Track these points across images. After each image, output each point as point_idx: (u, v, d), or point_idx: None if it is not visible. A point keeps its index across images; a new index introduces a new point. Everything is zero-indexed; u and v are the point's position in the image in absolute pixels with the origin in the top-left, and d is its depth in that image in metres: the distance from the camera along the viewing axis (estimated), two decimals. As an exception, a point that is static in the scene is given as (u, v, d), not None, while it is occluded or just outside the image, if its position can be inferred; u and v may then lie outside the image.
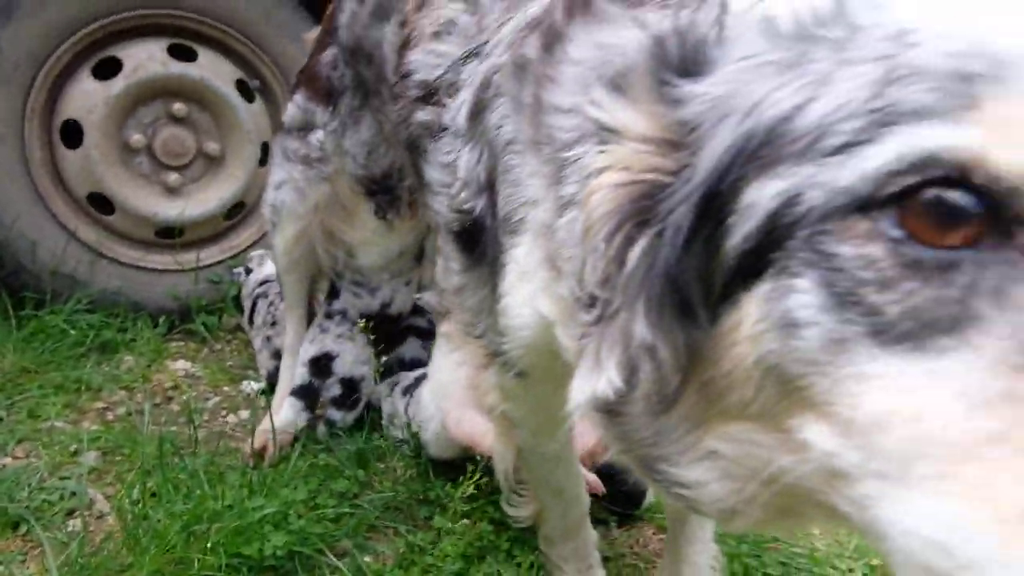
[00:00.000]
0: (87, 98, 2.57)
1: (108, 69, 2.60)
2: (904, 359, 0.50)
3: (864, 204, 0.50)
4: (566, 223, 0.77)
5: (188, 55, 2.70)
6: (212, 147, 2.80)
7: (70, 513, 1.76)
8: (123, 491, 1.78)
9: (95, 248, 2.67)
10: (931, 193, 0.49)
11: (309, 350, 2.17)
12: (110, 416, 2.21)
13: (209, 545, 1.57)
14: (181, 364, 2.59)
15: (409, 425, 1.99)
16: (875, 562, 1.80)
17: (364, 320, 2.11)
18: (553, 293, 0.85)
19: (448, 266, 1.23)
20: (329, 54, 1.75)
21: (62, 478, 1.86)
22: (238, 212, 2.91)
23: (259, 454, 2.00)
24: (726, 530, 1.53)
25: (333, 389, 2.13)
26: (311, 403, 2.12)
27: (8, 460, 1.94)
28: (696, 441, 0.67)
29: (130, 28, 2.60)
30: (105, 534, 1.68)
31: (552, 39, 0.87)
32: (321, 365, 2.14)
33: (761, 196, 0.56)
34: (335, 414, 2.12)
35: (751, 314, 0.58)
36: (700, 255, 0.61)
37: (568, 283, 0.78)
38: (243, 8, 2.72)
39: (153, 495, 1.75)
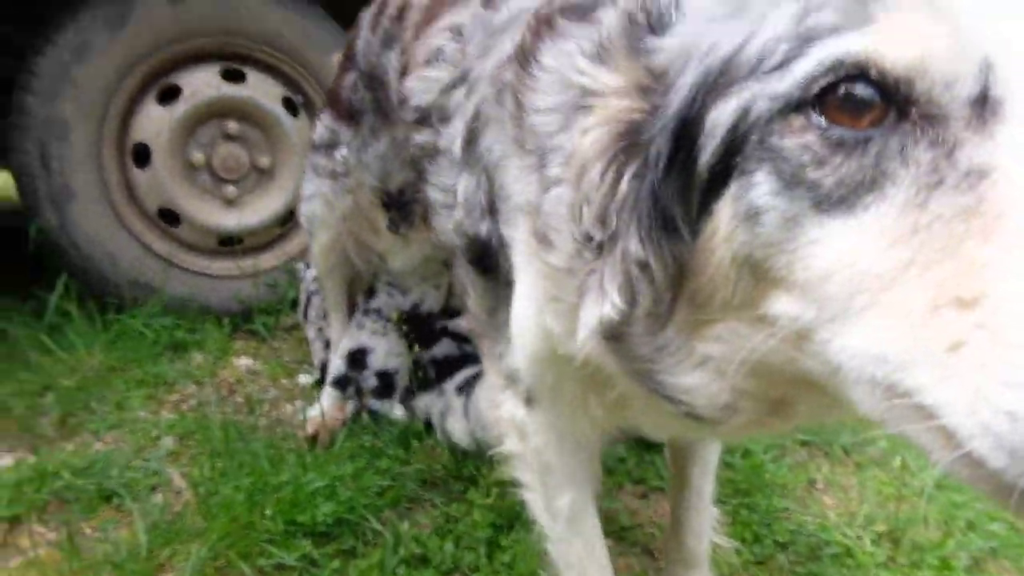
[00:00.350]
0: (153, 123, 2.86)
1: (169, 95, 2.88)
2: (841, 220, 0.63)
3: (797, 104, 0.65)
4: (553, 197, 0.88)
5: (238, 77, 2.96)
6: (264, 161, 3.06)
7: (153, 488, 2.02)
8: (196, 470, 2.03)
9: (167, 258, 2.96)
10: (843, 89, 0.63)
11: (346, 344, 2.38)
12: (184, 406, 2.49)
13: (269, 513, 1.80)
14: (244, 360, 2.86)
15: (472, 430, 2.06)
16: (880, 528, 1.89)
17: (398, 314, 2.29)
18: (545, 270, 0.94)
19: (466, 288, 1.33)
20: (350, 78, 1.92)
21: (145, 459, 2.13)
22: (290, 220, 3.15)
23: (312, 438, 2.23)
24: (729, 439, 1.47)
25: (370, 381, 2.32)
26: (348, 392, 2.32)
27: (100, 445, 2.23)
28: (690, 350, 0.80)
29: (186, 56, 2.86)
30: (183, 505, 1.93)
31: (525, 57, 1.01)
32: (356, 358, 2.33)
33: (721, 115, 0.70)
34: (376, 404, 2.31)
35: (724, 216, 0.71)
36: (679, 177, 0.74)
37: (558, 252, 0.89)
38: (285, 31, 2.95)
39: (222, 473, 1.99)
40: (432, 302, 2.34)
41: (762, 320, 0.72)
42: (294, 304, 3.03)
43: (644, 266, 0.77)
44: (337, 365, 2.37)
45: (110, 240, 2.84)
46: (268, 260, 3.16)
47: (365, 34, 1.85)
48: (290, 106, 3.05)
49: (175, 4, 2.76)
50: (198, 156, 2.95)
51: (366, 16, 1.91)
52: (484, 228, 1.15)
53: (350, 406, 2.36)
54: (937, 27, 0.61)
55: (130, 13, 2.71)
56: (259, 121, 3.01)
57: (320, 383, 2.56)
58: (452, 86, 1.30)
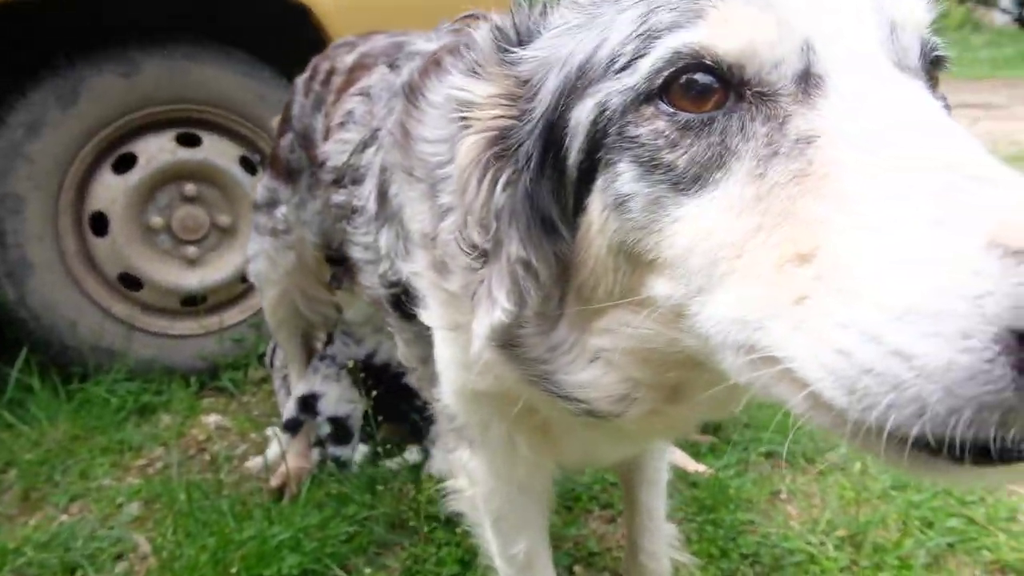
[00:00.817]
0: (110, 191, 2.90)
1: (126, 163, 2.92)
2: (696, 197, 0.69)
3: (646, 96, 0.72)
4: (447, 226, 0.91)
5: (194, 141, 3.02)
6: (223, 219, 3.10)
7: (118, 557, 2.00)
8: (160, 534, 2.01)
9: (128, 322, 2.96)
10: (684, 78, 0.70)
11: (299, 388, 2.40)
12: (150, 470, 2.47)
13: (234, 570, 1.79)
14: (213, 418, 2.85)
15: None
16: (840, 533, 1.91)
17: (353, 363, 2.31)
18: (445, 298, 0.97)
19: (398, 340, 1.36)
20: (287, 139, 1.99)
21: (110, 527, 2.11)
22: (252, 275, 3.19)
23: (278, 490, 2.22)
24: (628, 427, 1.53)
25: (324, 428, 2.33)
26: (301, 436, 2.33)
27: (64, 516, 2.20)
28: (582, 346, 0.83)
29: (141, 125, 2.92)
30: (146, 572, 1.91)
31: (412, 92, 1.07)
32: (308, 403, 2.35)
33: (582, 113, 0.76)
34: (336, 451, 2.32)
35: (596, 209, 0.76)
36: (551, 177, 0.80)
37: (454, 276, 0.93)
38: (238, 94, 3.02)
39: (187, 534, 1.97)
40: (386, 354, 2.36)
41: (642, 304, 0.76)
42: (261, 358, 3.04)
43: (528, 266, 0.80)
44: (289, 408, 2.39)
45: (70, 308, 2.84)
46: (233, 316, 3.17)
47: (299, 98, 1.93)
48: (247, 164, 3.11)
49: (127, 76, 2.83)
50: (156, 220, 2.99)
51: (300, 80, 1.98)
52: (404, 272, 1.18)
53: (314, 454, 2.36)
54: (762, 15, 0.69)
55: (82, 88, 2.77)
56: (216, 182, 3.06)
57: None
58: (363, 146, 1.36)
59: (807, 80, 0.67)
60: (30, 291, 2.78)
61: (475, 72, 0.86)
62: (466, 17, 1.25)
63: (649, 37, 0.72)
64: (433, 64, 1.09)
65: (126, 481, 2.39)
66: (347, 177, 1.40)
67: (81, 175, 2.86)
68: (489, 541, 1.34)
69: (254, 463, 2.39)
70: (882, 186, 0.57)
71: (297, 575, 1.82)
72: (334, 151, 1.48)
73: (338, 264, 2.10)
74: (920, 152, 0.58)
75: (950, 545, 1.85)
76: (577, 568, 1.91)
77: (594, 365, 0.83)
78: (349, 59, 1.78)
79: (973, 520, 1.93)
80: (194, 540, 1.93)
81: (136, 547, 2.04)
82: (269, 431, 2.69)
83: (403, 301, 1.20)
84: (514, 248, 0.80)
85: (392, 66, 1.48)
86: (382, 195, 1.23)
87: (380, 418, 2.25)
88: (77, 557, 1.96)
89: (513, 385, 0.93)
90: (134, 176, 2.90)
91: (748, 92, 0.69)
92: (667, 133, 0.70)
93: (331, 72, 1.81)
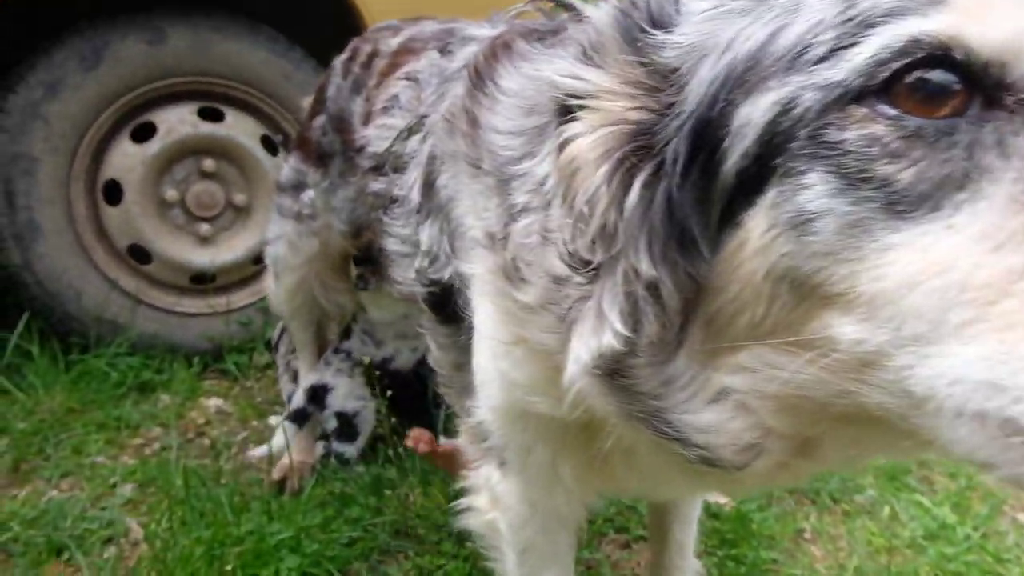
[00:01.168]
0: (126, 160, 2.81)
1: (144, 132, 2.84)
2: (923, 221, 0.55)
3: (858, 94, 0.57)
4: (521, 228, 0.79)
5: (216, 116, 2.93)
6: (240, 198, 3.01)
7: (108, 540, 1.91)
8: (154, 521, 1.92)
9: (134, 295, 2.87)
10: (917, 74, 0.56)
11: (309, 378, 2.31)
12: (147, 451, 2.38)
13: (229, 568, 1.70)
14: (214, 401, 2.75)
15: None
16: (869, 580, 1.82)
17: (368, 362, 2.21)
18: (511, 310, 0.84)
19: (430, 342, 1.24)
20: (320, 121, 1.89)
21: (102, 508, 2.02)
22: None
23: (279, 484, 2.13)
24: (744, 489, 1.37)
25: (331, 422, 2.24)
26: (306, 428, 2.24)
27: (54, 492, 2.11)
28: (705, 381, 0.69)
29: (163, 95, 2.83)
30: (137, 560, 1.82)
31: (480, 78, 0.94)
32: (317, 394, 2.25)
33: (754, 112, 0.62)
34: (340, 447, 2.23)
35: (758, 226, 0.62)
36: (698, 184, 0.65)
37: (530, 287, 0.79)
38: (264, 71, 2.93)
39: (182, 523, 1.88)
40: (405, 361, 2.28)
41: (803, 346, 0.62)
42: (268, 343, 2.95)
43: (654, 287, 0.67)
44: (297, 398, 2.30)
45: (76, 276, 2.75)
46: (242, 297, 3.08)
47: (336, 79, 1.84)
48: (269, 145, 3.02)
49: (152, 44, 2.74)
50: (172, 193, 2.90)
51: (338, 61, 1.90)
52: (447, 273, 1.09)
53: (319, 448, 2.27)
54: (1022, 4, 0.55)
55: (105, 51, 2.68)
56: (236, 159, 2.97)
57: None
58: (409, 132, 1.27)
59: None
60: (36, 255, 2.69)
61: (590, 57, 0.71)
62: (523, 8, 1.12)
63: (862, 24, 0.57)
64: (502, 47, 0.98)
65: (121, 460, 2.30)
66: (388, 164, 1.31)
67: (98, 141, 2.77)
68: (509, 572, 1.22)
69: (257, 453, 2.30)
70: None
71: (296, 578, 1.72)
72: (375, 136, 1.40)
73: (365, 264, 2.01)
74: None
75: (985, 603, 1.76)
76: (589, 595, 1.82)
77: (719, 406, 0.69)
78: (394, 42, 1.69)
79: (1008, 577, 1.84)
80: (189, 530, 1.84)
81: (128, 531, 1.95)
82: (273, 420, 2.60)
83: (445, 302, 1.11)
84: (643, 265, 0.67)
85: (444, 51, 1.39)
86: (428, 185, 1.14)
87: (393, 419, 2.16)
88: (65, 538, 1.87)
89: (605, 418, 0.80)
90: (153, 146, 2.81)
91: (1008, 98, 0.55)
92: (887, 140, 0.56)
93: (373, 54, 1.72)
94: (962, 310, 0.53)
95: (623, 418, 0.77)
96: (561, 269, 0.73)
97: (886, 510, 2.06)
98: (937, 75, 0.56)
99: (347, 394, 2.25)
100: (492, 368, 0.98)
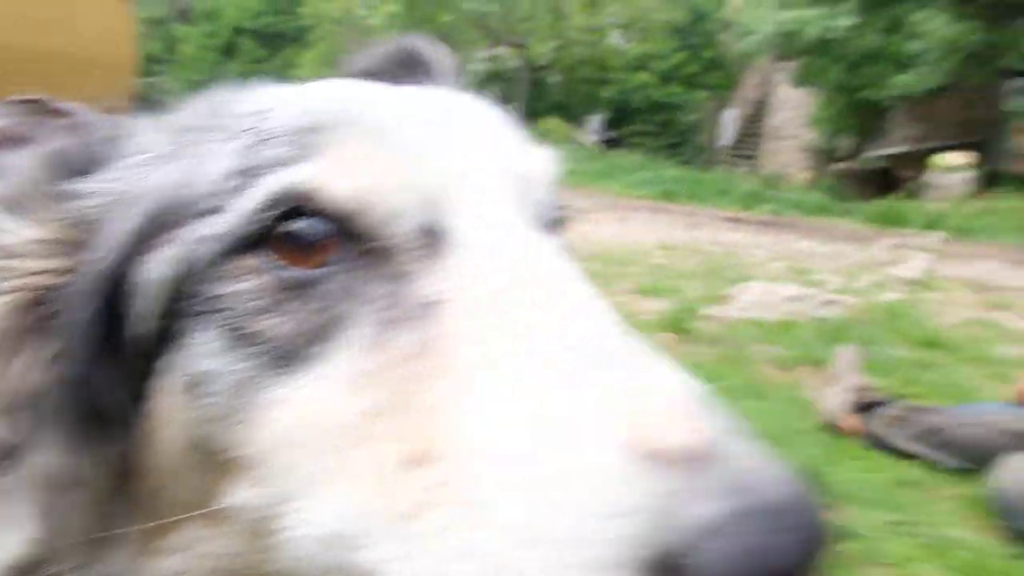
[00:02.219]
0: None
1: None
2: (301, 373, 0.55)
3: (244, 246, 0.57)
4: None
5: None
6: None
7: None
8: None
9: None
10: (287, 225, 0.57)
11: None
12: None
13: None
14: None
15: None
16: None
17: None
18: None
19: None
20: None
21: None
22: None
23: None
24: None
25: None
26: None
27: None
28: (142, 572, 0.62)
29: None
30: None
31: None
32: None
33: (157, 268, 0.58)
34: None
35: (162, 395, 0.58)
36: (108, 355, 0.59)
37: None
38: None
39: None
40: None
41: (218, 518, 0.58)
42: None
43: (67, 478, 0.59)
44: None
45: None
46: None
47: None
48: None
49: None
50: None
51: None
52: None
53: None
54: (383, 159, 0.59)
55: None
56: None
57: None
58: None
59: (432, 235, 0.57)
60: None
61: (18, 207, 0.62)
62: (29, 100, 0.81)
63: (253, 173, 0.58)
64: None
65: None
66: None
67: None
68: None
69: None
70: (504, 367, 0.50)
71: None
72: None
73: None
74: (549, 320, 0.52)
75: None
76: None
77: None
78: None
79: None
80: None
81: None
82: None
83: None
84: (51, 454, 0.59)
85: None
86: None
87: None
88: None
89: None
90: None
91: (366, 245, 0.57)
92: (266, 293, 0.56)
93: None
94: (327, 459, 0.53)
95: None
96: None
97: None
98: (304, 225, 0.57)
99: None
100: None
